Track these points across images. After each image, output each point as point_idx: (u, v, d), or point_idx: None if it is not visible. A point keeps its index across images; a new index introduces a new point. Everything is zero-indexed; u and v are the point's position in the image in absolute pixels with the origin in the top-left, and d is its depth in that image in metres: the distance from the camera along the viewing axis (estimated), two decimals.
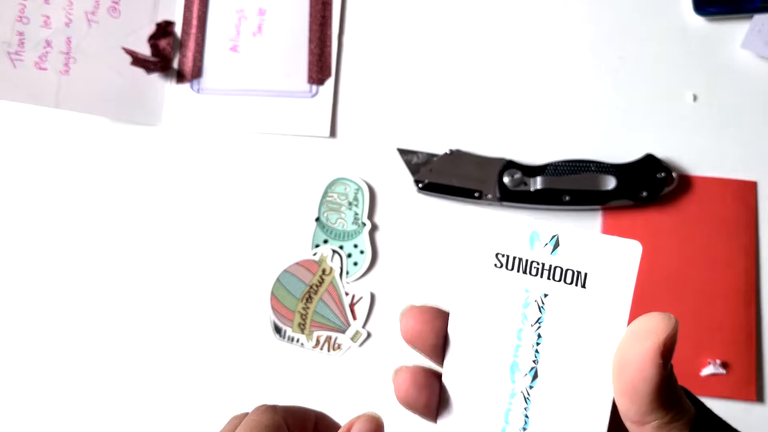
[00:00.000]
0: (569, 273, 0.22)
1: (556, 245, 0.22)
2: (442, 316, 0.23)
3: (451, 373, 0.23)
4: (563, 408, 0.22)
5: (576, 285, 0.21)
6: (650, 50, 0.53)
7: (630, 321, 0.21)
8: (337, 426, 0.28)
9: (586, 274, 0.21)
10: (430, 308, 0.24)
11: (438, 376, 0.23)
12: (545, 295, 0.22)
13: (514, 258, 0.22)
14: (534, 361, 0.22)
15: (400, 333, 0.23)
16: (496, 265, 0.23)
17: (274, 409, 0.27)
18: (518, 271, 0.22)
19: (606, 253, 0.21)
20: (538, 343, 0.22)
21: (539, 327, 0.22)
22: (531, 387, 0.22)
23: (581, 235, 0.21)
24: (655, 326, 0.19)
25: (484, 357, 0.23)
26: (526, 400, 0.22)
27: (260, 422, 0.25)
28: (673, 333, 0.19)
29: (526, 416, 0.22)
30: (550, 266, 0.22)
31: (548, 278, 0.22)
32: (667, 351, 0.19)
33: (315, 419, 0.28)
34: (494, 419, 0.23)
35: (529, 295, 0.22)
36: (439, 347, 0.23)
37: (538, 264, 0.22)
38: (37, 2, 0.52)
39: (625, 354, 0.20)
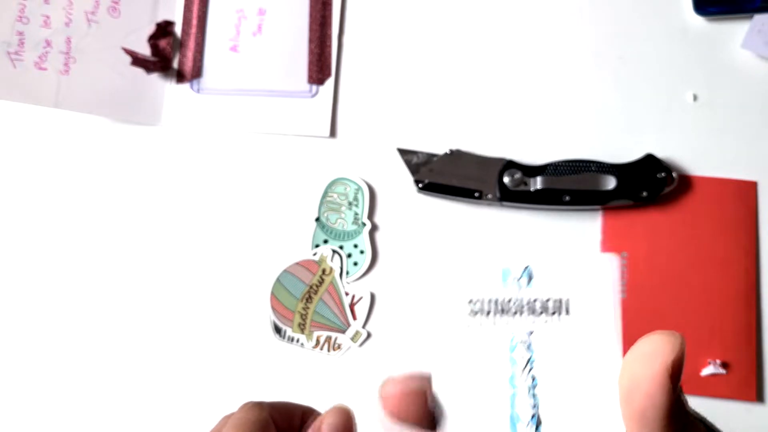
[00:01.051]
0: (550, 303, 0.20)
1: (530, 277, 0.21)
2: (426, 381, 0.22)
3: None
4: None
5: (560, 314, 0.20)
6: (650, 50, 0.52)
7: (623, 336, 0.20)
8: None
9: (567, 300, 0.20)
10: (411, 376, 0.22)
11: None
12: (530, 333, 0.21)
13: (489, 301, 0.21)
14: (534, 407, 0.20)
15: (384, 411, 0.22)
16: (471, 312, 0.21)
17: (260, 405, 0.27)
18: (496, 313, 0.21)
19: (583, 273, 0.20)
20: (534, 386, 0.21)
21: (531, 368, 0.21)
22: None
23: (553, 260, 0.20)
24: (661, 348, 0.18)
25: (480, 415, 0.21)
26: None
27: (246, 419, 0.26)
28: (681, 353, 0.18)
29: None
30: (529, 300, 0.21)
31: (529, 314, 0.21)
32: (675, 373, 0.18)
33: (302, 414, 0.28)
34: None
35: (514, 336, 0.21)
36: (429, 415, 0.22)
37: (515, 301, 0.21)
38: (37, 2, 0.52)
39: (631, 379, 0.19)
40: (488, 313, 0.21)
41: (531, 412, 0.20)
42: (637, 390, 0.18)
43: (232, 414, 0.27)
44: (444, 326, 0.21)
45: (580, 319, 0.20)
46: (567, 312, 0.20)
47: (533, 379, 0.21)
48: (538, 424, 0.20)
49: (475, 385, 0.21)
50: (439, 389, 0.21)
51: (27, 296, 0.54)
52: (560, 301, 0.20)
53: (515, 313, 0.21)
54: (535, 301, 0.21)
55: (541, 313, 0.20)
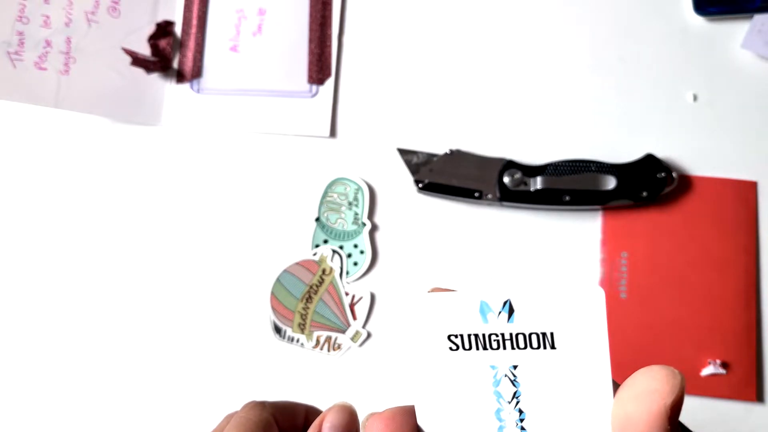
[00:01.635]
0: (533, 337, 0.20)
1: (511, 311, 0.20)
2: (410, 414, 0.21)
3: None
4: None
5: (544, 348, 0.20)
6: (650, 50, 0.53)
7: (612, 368, 0.19)
8: None
9: (552, 334, 0.19)
10: (394, 411, 0.21)
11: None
12: (514, 367, 0.20)
13: (469, 336, 0.20)
14: None
15: None
16: (451, 348, 0.20)
17: (262, 405, 0.27)
18: (477, 348, 0.20)
19: (568, 306, 0.19)
20: (521, 419, 0.20)
21: (518, 402, 0.20)
22: None
23: (535, 293, 0.20)
24: (660, 387, 0.17)
25: None
26: None
27: (248, 419, 0.26)
28: (681, 394, 0.17)
29: None
30: (511, 334, 0.20)
31: (512, 348, 0.20)
32: (675, 415, 0.17)
33: (305, 413, 0.28)
34: None
35: (497, 371, 0.20)
36: None
37: (497, 336, 0.20)
38: (37, 2, 0.52)
39: (626, 418, 0.18)
40: (469, 348, 0.20)
41: None
42: (632, 429, 0.17)
43: (235, 413, 0.27)
44: (424, 362, 0.21)
45: (568, 353, 0.19)
46: (553, 346, 0.20)
47: (521, 412, 0.20)
48: None
49: (462, 420, 0.21)
50: (424, 424, 0.21)
51: (27, 296, 0.54)
52: (545, 334, 0.20)
53: (497, 348, 0.20)
54: (518, 335, 0.20)
55: (525, 347, 0.20)
